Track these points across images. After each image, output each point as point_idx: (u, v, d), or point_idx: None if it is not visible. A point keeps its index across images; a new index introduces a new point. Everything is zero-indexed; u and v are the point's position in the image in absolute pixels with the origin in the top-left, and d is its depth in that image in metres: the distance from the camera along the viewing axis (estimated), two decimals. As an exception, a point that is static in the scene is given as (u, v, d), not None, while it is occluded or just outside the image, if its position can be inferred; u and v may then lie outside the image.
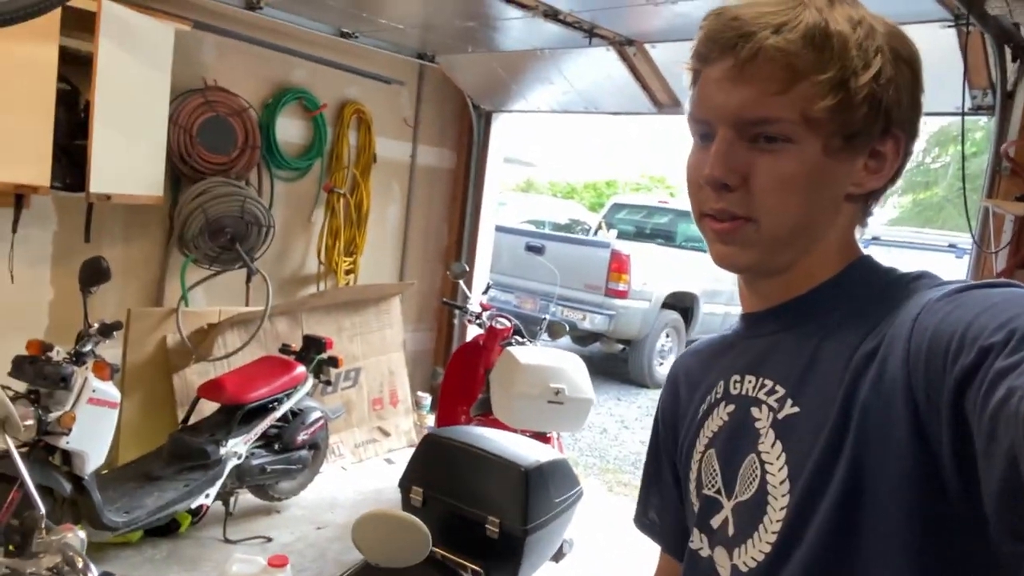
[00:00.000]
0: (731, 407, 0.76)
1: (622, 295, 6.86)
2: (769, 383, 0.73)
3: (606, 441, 5.57)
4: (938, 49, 2.70)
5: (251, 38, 3.88)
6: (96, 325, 2.66)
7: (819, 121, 0.67)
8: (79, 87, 3.26)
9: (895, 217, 16.27)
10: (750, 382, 0.75)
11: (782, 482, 0.67)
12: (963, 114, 2.51)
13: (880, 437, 0.61)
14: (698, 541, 0.78)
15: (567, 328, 3.92)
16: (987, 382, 0.52)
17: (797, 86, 0.66)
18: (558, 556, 2.97)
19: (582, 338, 7.43)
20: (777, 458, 0.68)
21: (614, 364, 7.98)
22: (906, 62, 0.68)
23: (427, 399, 4.91)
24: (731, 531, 0.72)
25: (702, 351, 0.89)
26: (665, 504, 0.91)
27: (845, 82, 0.66)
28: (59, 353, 2.66)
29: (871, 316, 0.68)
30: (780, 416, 0.70)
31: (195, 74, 3.72)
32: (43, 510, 1.27)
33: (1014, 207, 2.67)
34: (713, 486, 0.76)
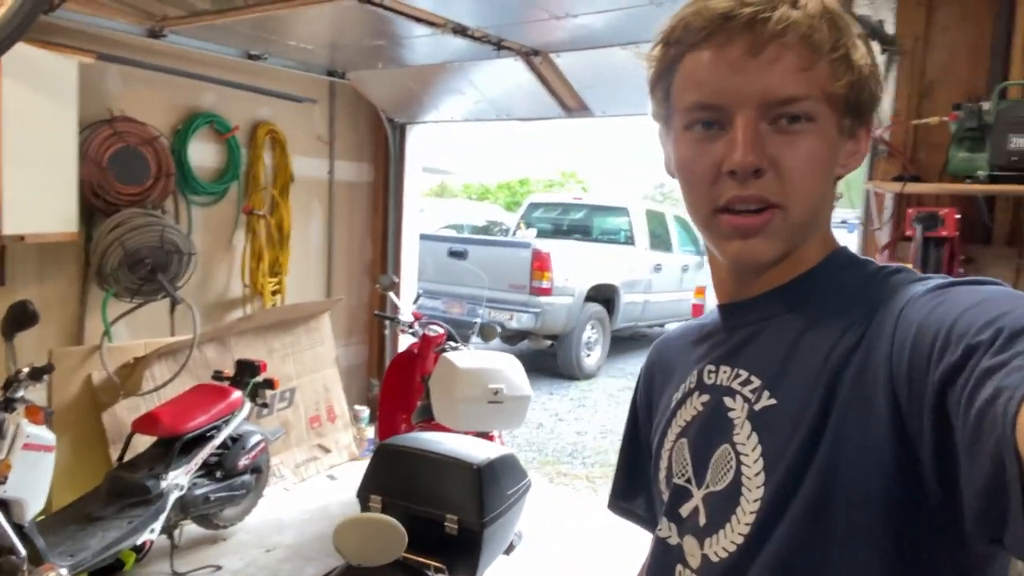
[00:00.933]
0: (705, 397, 0.75)
1: (546, 292, 7.06)
2: (744, 374, 0.72)
3: (543, 435, 5.73)
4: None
5: (156, 66, 3.83)
6: (26, 370, 2.61)
7: (838, 98, 0.67)
8: (-20, 127, 3.16)
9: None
10: (725, 372, 0.74)
11: (757, 474, 0.67)
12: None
13: (859, 431, 0.61)
14: (666, 529, 0.77)
15: (498, 330, 4.05)
16: (972, 381, 0.51)
17: (819, 63, 0.65)
18: (509, 549, 3.10)
19: (511, 337, 7.60)
20: (753, 450, 0.68)
21: (543, 360, 8.18)
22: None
23: (365, 412, 4.95)
24: (702, 520, 0.72)
25: (678, 338, 0.88)
26: (646, 485, 0.90)
27: (851, 60, 0.66)
28: (-15, 402, 2.59)
29: (851, 310, 0.67)
30: (756, 408, 0.69)
31: (102, 106, 3.65)
32: (23, 553, 1.30)
33: (891, 186, 2.96)
34: (683, 475, 0.76)
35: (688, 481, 0.75)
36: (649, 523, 0.91)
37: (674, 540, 0.76)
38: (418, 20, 3.27)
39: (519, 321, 7.07)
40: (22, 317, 2.59)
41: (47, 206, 3.27)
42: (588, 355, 7.66)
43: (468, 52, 3.86)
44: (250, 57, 4.16)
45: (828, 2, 0.67)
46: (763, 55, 0.65)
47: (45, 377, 2.70)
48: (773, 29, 0.64)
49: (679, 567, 0.75)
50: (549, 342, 7.69)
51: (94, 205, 3.61)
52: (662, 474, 0.80)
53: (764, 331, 0.73)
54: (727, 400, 0.72)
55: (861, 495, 0.60)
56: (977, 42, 2.95)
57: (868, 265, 0.72)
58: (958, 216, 2.77)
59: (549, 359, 8.01)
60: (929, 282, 0.64)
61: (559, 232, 8.94)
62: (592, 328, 7.72)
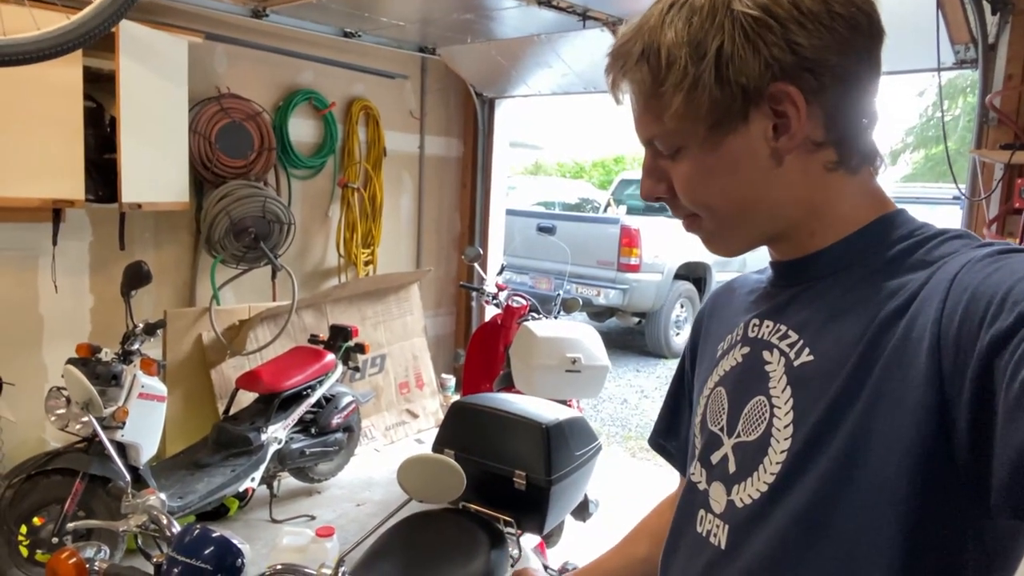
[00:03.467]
0: (746, 349, 0.78)
1: (634, 269, 7.00)
2: (784, 329, 0.73)
3: (627, 411, 5.74)
4: (916, 8, 2.80)
5: (259, 44, 4.04)
6: (141, 325, 2.86)
7: (676, 128, 0.70)
8: (103, 104, 3.44)
9: (908, 174, 16.13)
10: (767, 327, 0.76)
11: (786, 426, 0.68)
12: (939, 69, 2.62)
13: (898, 390, 0.61)
14: (698, 474, 0.80)
15: (580, 302, 4.07)
16: (1022, 349, 0.51)
17: (650, 104, 0.71)
18: (585, 516, 3.16)
19: (598, 314, 7.59)
20: (785, 403, 0.69)
21: (631, 337, 8.14)
22: (777, 18, 0.66)
23: (451, 380, 5.10)
24: (731, 468, 0.74)
25: (735, 289, 0.89)
26: (683, 427, 0.94)
27: (680, 84, 0.68)
28: (107, 354, 2.86)
29: (900, 271, 0.67)
30: (794, 363, 0.70)
31: (210, 83, 3.90)
32: (128, 478, 1.46)
33: (999, 155, 2.78)
34: (717, 423, 0.78)
35: (721, 429, 0.77)
36: (679, 462, 0.96)
37: (703, 485, 0.78)
38: (504, -8, 3.31)
39: (606, 297, 7.05)
40: (137, 276, 2.83)
41: (161, 177, 3.54)
42: (677, 334, 7.56)
43: (555, 24, 3.87)
44: (346, 35, 4.32)
45: (662, 36, 0.68)
46: (632, 106, 0.74)
47: (159, 332, 2.95)
48: (617, 94, 0.74)
49: (701, 511, 0.78)
50: (637, 319, 7.64)
51: (203, 177, 3.87)
52: (698, 419, 0.83)
53: (810, 289, 0.74)
54: (765, 354, 0.74)
55: (891, 454, 0.60)
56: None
57: (925, 229, 0.70)
58: (1073, 186, 2.57)
59: (637, 336, 7.97)
60: (989, 247, 0.63)
61: (650, 209, 8.81)
62: (682, 306, 7.61)
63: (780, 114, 0.68)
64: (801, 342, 0.71)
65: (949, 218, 6.76)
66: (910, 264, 0.67)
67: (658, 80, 0.69)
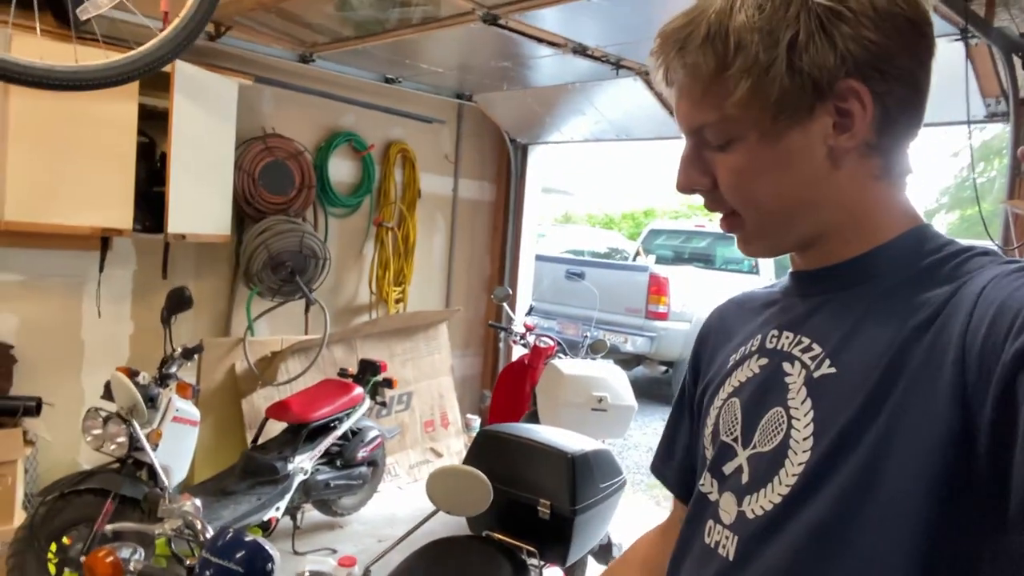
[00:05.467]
0: (764, 360, 0.76)
1: (662, 317, 7.00)
2: (807, 341, 0.72)
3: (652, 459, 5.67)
4: (947, 62, 2.85)
5: (305, 88, 4.22)
6: (179, 349, 2.94)
7: (737, 115, 0.69)
8: (155, 139, 3.61)
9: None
10: (787, 338, 0.74)
11: (806, 438, 0.67)
12: (969, 122, 2.65)
13: (923, 404, 0.60)
14: (708, 485, 0.78)
15: (608, 344, 4.09)
16: None
17: (710, 90, 0.69)
18: (608, 558, 3.12)
19: (626, 361, 7.55)
20: (805, 415, 0.68)
21: (658, 386, 8.07)
22: (853, 11, 0.65)
23: (476, 421, 5.10)
24: (744, 479, 0.73)
25: (742, 303, 0.89)
26: (678, 451, 0.93)
27: (750, 69, 0.67)
28: (145, 378, 2.93)
29: (928, 286, 0.66)
30: (815, 375, 0.69)
31: (256, 123, 4.07)
32: (166, 483, 1.50)
33: (1031, 206, 2.79)
34: (731, 434, 0.77)
35: (735, 440, 0.76)
36: (673, 485, 0.95)
37: (714, 496, 0.77)
38: (540, 41, 3.43)
39: (634, 345, 7.04)
40: (180, 301, 2.92)
41: (205, 210, 3.67)
42: (705, 384, 7.48)
43: (589, 73, 3.99)
44: (387, 80, 4.49)
45: (731, 19, 0.67)
46: (677, 92, 0.73)
47: (195, 357, 3.02)
48: (664, 74, 0.72)
49: (710, 522, 0.76)
50: (664, 368, 7.59)
51: (244, 211, 4.01)
52: (708, 430, 0.81)
53: (833, 301, 0.73)
54: (785, 365, 0.73)
55: (912, 468, 0.60)
56: None
57: (952, 244, 0.70)
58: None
59: (664, 385, 7.90)
60: (1016, 263, 0.63)
61: (679, 259, 8.84)
62: (710, 356, 7.54)
63: (844, 112, 0.67)
64: (823, 354, 0.70)
65: (984, 275, 6.67)
66: (937, 278, 0.66)
67: (724, 65, 0.68)
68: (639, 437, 6.18)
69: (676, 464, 0.93)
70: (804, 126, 0.68)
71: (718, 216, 0.77)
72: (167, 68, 3.31)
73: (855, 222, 0.71)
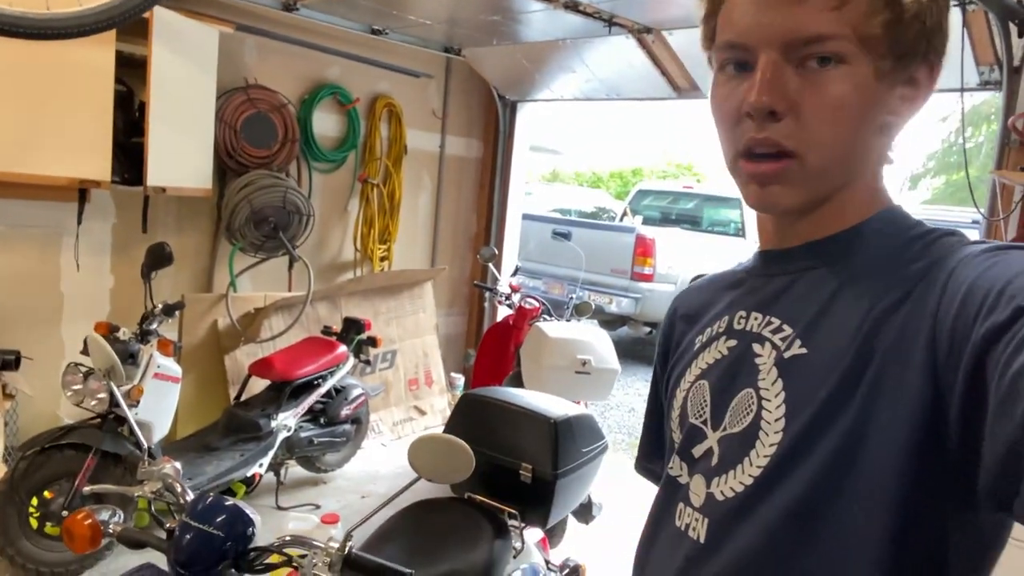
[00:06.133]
0: (732, 342, 0.75)
1: (648, 279, 7.01)
2: (776, 322, 0.71)
3: (634, 419, 5.74)
4: (943, 27, 2.81)
5: (288, 38, 4.10)
6: (160, 305, 2.90)
7: (874, 39, 0.63)
8: (133, 88, 3.51)
9: (928, 199, 16.05)
10: (756, 319, 0.74)
11: (777, 419, 0.67)
12: (963, 90, 2.63)
13: (895, 384, 0.60)
14: (678, 468, 0.78)
15: (592, 306, 4.09)
16: (1015, 342, 0.50)
17: (851, 1, 0.63)
18: (588, 518, 3.17)
19: (610, 322, 7.58)
20: (776, 396, 0.68)
21: (642, 347, 8.13)
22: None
23: (460, 379, 5.13)
24: (714, 461, 0.72)
25: (705, 287, 0.88)
26: (664, 446, 0.92)
27: (909, 3, 0.64)
28: (125, 333, 2.90)
29: (897, 267, 0.66)
30: (786, 355, 0.69)
31: (238, 73, 3.96)
32: (146, 445, 1.49)
33: (1019, 176, 2.78)
34: (700, 416, 0.76)
35: (704, 423, 0.75)
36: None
37: (684, 479, 0.76)
38: (532, -5, 3.35)
39: (619, 306, 7.06)
40: (159, 257, 2.88)
41: (186, 163, 3.59)
42: (688, 345, 7.55)
43: (581, 29, 3.90)
44: (373, 32, 4.37)
45: None
46: None
47: (176, 313, 2.99)
48: None
49: (680, 504, 0.76)
50: (648, 329, 7.64)
51: (226, 165, 3.93)
52: (675, 413, 0.80)
53: (801, 281, 0.72)
54: (755, 346, 0.72)
55: (885, 447, 0.60)
56: None
57: (919, 226, 0.70)
58: (1093, 209, 2.57)
59: (648, 347, 7.96)
60: (984, 244, 0.63)
61: (667, 221, 8.83)
62: (694, 318, 7.59)
63: (913, 81, 0.66)
64: (793, 334, 0.69)
65: (967, 242, 6.71)
66: (907, 259, 0.66)
67: None
68: (621, 397, 6.24)
69: (663, 460, 0.92)
70: (901, 79, 0.66)
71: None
72: (144, 14, 3.21)
73: (853, 198, 0.70)
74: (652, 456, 0.94)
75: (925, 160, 16.00)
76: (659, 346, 0.91)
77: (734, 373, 0.73)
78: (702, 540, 0.72)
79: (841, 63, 0.64)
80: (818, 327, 0.68)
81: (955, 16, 2.84)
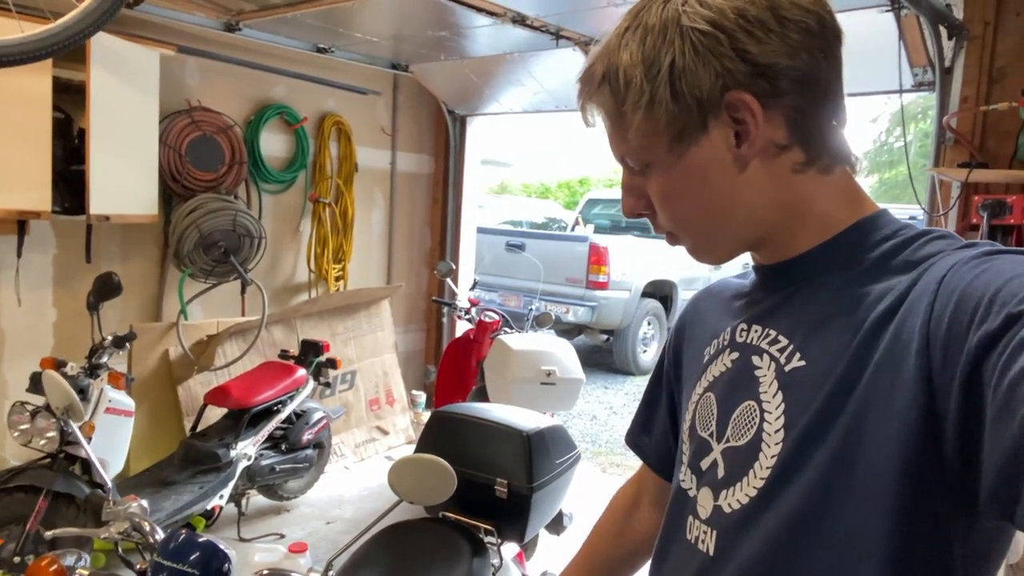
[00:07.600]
0: (735, 355, 0.77)
1: (602, 287, 7.07)
2: (774, 334, 0.73)
3: (596, 427, 5.76)
4: (878, 32, 2.92)
5: (232, 58, 4.03)
6: (110, 337, 2.80)
7: (641, 145, 0.72)
8: (72, 115, 3.39)
9: (862, 197, 16.58)
10: (756, 332, 0.76)
11: (777, 431, 0.68)
12: (900, 91, 2.73)
13: (889, 393, 0.61)
14: (688, 480, 0.79)
15: (552, 317, 4.10)
16: (1009, 350, 0.50)
17: (616, 124, 0.74)
18: (559, 529, 3.16)
19: (567, 331, 7.63)
20: (776, 407, 0.69)
21: (599, 354, 8.19)
22: (725, 30, 0.67)
23: (422, 397, 5.07)
24: (720, 473, 0.74)
25: (717, 293, 0.90)
26: (657, 426, 0.97)
27: (638, 102, 0.70)
28: (73, 368, 2.79)
29: (887, 273, 0.67)
30: (785, 368, 0.70)
31: (181, 96, 3.87)
32: (110, 485, 1.43)
33: (957, 173, 2.89)
34: (707, 429, 0.78)
35: (711, 435, 0.77)
36: (650, 457, 1.00)
37: (692, 492, 0.78)
38: (479, 10, 3.36)
39: (575, 315, 7.10)
40: (107, 287, 2.77)
41: (130, 189, 3.48)
42: (644, 351, 7.64)
43: (527, 43, 3.93)
44: (319, 50, 4.32)
45: (619, 58, 0.70)
46: (602, 127, 0.77)
47: (127, 345, 2.89)
48: (588, 118, 0.77)
49: (690, 518, 0.77)
50: (605, 337, 7.70)
51: (172, 190, 3.83)
52: (687, 425, 0.82)
53: (797, 294, 0.74)
54: (755, 359, 0.74)
55: (882, 456, 0.60)
56: (1050, 25, 2.86)
57: (908, 229, 0.70)
58: (1026, 202, 2.69)
59: (605, 354, 8.02)
60: (974, 249, 0.63)
61: (617, 228, 8.93)
62: (649, 324, 7.69)
63: (739, 121, 0.69)
64: (792, 347, 0.70)
65: (906, 238, 6.96)
66: (895, 266, 0.67)
67: (619, 100, 0.71)
68: (582, 406, 6.26)
69: (655, 438, 0.97)
70: (703, 142, 0.70)
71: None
72: (81, 38, 3.11)
73: (794, 217, 0.72)
74: (642, 430, 1.00)
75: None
76: (672, 341, 0.95)
77: (736, 386, 0.75)
78: (711, 553, 0.73)
79: (648, 166, 0.74)
80: (815, 339, 0.69)
81: (889, 20, 2.95)
